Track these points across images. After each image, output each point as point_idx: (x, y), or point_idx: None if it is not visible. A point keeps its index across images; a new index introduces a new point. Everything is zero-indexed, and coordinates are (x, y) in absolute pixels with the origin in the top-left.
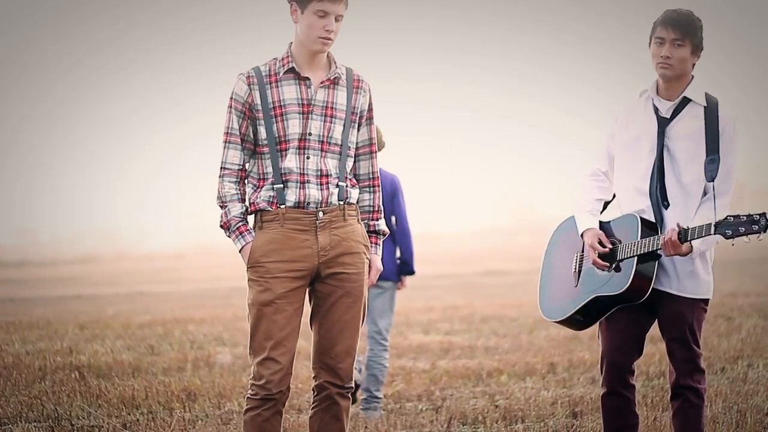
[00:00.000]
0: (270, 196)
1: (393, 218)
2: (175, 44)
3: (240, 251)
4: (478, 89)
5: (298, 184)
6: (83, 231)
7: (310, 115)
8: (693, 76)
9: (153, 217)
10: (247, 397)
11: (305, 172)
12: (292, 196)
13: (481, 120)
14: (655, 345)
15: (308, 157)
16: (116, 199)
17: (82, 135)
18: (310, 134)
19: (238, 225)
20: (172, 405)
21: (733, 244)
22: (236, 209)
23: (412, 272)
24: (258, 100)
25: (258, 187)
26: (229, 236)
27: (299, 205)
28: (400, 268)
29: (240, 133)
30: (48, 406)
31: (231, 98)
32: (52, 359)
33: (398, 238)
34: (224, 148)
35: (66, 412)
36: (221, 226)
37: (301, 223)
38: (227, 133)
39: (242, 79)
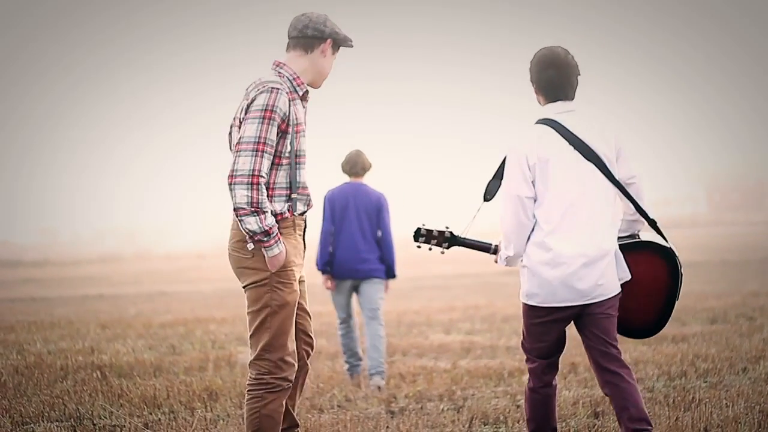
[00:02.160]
0: (288, 205)
1: (379, 231)
2: (180, 42)
3: (274, 256)
4: (479, 89)
5: (306, 196)
6: (104, 231)
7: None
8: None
9: (174, 217)
10: (268, 392)
11: (306, 185)
12: (302, 206)
13: (481, 120)
14: (676, 345)
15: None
16: (137, 199)
17: (102, 135)
18: (305, 151)
19: (276, 232)
20: (193, 405)
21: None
22: (271, 216)
23: (393, 276)
24: (291, 116)
25: (271, 197)
26: (266, 241)
27: (302, 213)
28: (382, 271)
29: (274, 144)
30: (70, 405)
31: (270, 110)
32: (73, 359)
33: (383, 248)
34: (258, 156)
35: (88, 411)
36: (263, 232)
37: (300, 228)
38: (264, 143)
39: (284, 93)
